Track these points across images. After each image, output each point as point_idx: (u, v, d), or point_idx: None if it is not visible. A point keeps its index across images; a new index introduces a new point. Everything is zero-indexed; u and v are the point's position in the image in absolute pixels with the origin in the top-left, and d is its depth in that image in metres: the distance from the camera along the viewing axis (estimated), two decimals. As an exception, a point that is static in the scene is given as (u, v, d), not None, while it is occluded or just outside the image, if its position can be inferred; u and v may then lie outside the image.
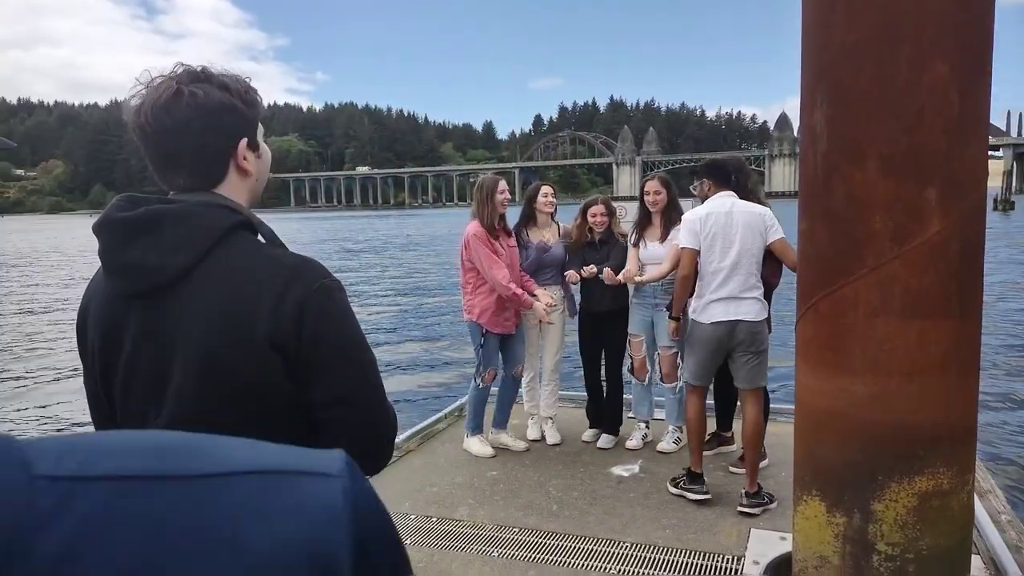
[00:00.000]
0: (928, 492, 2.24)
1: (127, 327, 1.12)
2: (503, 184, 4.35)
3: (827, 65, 2.28)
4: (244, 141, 1.19)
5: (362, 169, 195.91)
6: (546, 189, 4.58)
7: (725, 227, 3.48)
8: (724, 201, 3.55)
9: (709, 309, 3.53)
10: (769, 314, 3.88)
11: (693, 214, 3.61)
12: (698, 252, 3.54)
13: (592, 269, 4.21)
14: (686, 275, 3.58)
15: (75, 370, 9.73)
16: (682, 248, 3.59)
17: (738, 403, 4.17)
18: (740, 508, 3.44)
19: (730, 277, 3.48)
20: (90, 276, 1.25)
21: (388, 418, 1.22)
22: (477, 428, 4.45)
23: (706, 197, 3.73)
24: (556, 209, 4.59)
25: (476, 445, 4.39)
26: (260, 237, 1.17)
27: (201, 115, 1.13)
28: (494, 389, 4.54)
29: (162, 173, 1.18)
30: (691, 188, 4.14)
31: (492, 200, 4.23)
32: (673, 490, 3.69)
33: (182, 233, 1.09)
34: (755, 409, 3.57)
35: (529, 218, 4.55)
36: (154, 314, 1.10)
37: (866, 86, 2.22)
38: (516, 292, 4.16)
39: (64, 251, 40.55)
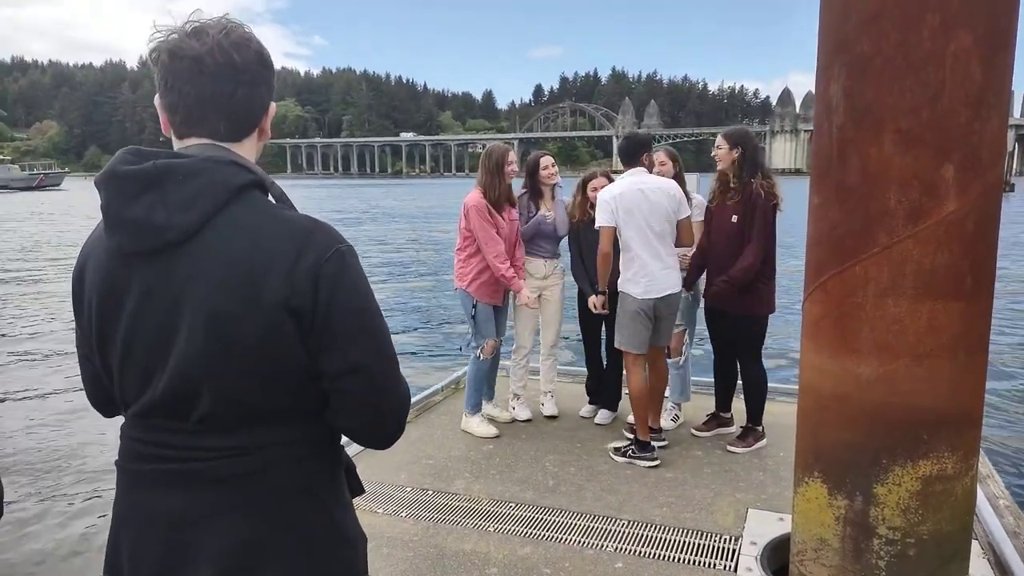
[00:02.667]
0: (932, 476, 2.20)
1: (129, 285, 1.08)
2: (512, 155, 4.21)
3: (848, 33, 2.19)
4: (273, 104, 1.20)
5: (407, 135, 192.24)
6: (546, 160, 4.44)
7: (641, 204, 3.65)
8: (634, 179, 3.73)
9: (642, 285, 3.71)
10: (771, 294, 3.84)
11: (607, 192, 3.76)
12: (615, 229, 3.70)
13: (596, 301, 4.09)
14: (606, 252, 3.76)
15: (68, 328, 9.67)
16: (600, 227, 3.75)
17: (738, 382, 4.15)
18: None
19: (650, 251, 3.68)
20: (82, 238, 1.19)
21: (401, 390, 1.19)
22: (477, 407, 4.34)
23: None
24: (558, 191, 4.49)
25: (478, 426, 4.27)
26: (271, 197, 1.13)
27: (262, 65, 1.14)
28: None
29: (199, 114, 1.11)
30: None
31: (501, 171, 4.10)
32: (620, 459, 3.79)
33: (192, 190, 1.05)
34: (664, 361, 3.97)
35: (536, 192, 4.44)
36: (159, 272, 1.06)
37: (888, 55, 2.12)
38: (506, 274, 4.07)
39: (54, 214, 40.24)
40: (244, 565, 1.10)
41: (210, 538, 1.09)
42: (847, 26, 2.19)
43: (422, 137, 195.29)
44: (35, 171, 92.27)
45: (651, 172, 4.02)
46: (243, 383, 1.07)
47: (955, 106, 2.09)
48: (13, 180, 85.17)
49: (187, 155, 1.09)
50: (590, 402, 4.62)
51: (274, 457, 1.12)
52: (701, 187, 4.55)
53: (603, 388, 4.55)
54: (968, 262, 2.16)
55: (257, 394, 1.08)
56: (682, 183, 4.07)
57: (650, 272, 3.67)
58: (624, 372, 4.00)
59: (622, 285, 3.76)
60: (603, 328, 4.46)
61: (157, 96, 1.14)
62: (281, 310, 1.04)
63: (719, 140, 3.93)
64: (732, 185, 3.81)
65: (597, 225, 3.76)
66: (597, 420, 4.46)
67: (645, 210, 3.63)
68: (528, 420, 4.46)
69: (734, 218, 3.75)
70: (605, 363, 4.54)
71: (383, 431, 1.20)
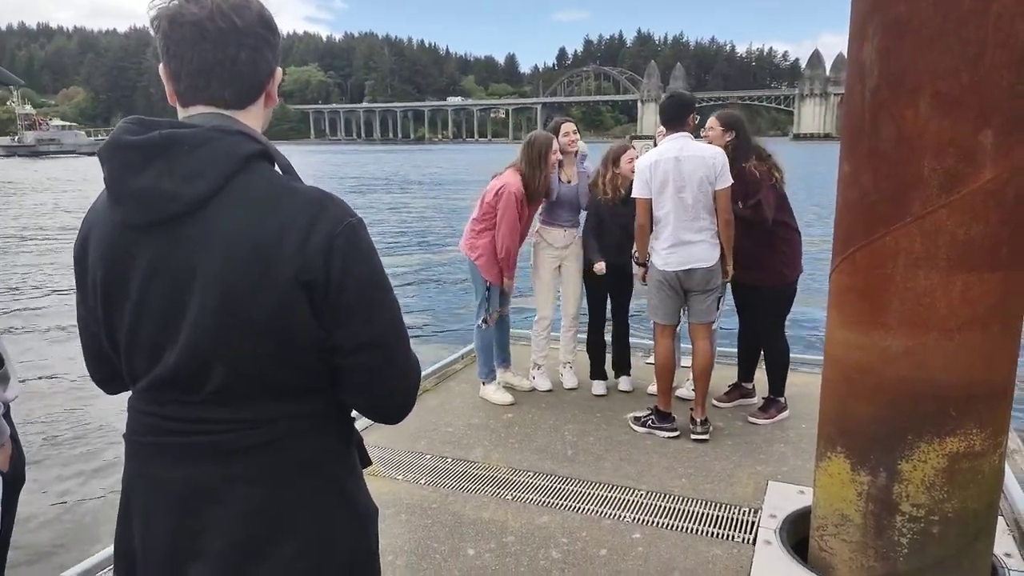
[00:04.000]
0: (959, 453, 2.15)
1: (136, 259, 1.06)
2: (556, 144, 4.05)
3: (884, -9, 2.08)
4: (279, 69, 1.17)
5: (454, 100, 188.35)
6: (567, 127, 4.31)
7: (674, 173, 3.50)
8: (673, 145, 3.56)
9: (663, 256, 3.61)
10: (794, 258, 3.76)
11: (643, 161, 3.65)
12: (651, 200, 3.60)
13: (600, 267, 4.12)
14: (642, 224, 3.68)
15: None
16: (635, 197, 3.66)
17: (761, 354, 4.09)
18: (694, 436, 3.64)
19: (680, 222, 3.54)
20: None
21: (413, 364, 1.19)
22: (491, 374, 4.36)
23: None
24: (580, 160, 4.37)
25: (494, 393, 4.30)
26: (277, 168, 1.11)
27: (265, 27, 1.10)
28: None
29: (203, 80, 1.08)
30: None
31: (544, 162, 3.96)
32: (639, 429, 3.78)
33: (199, 160, 1.03)
34: (706, 343, 3.71)
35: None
36: (167, 244, 1.04)
37: (927, 14, 2.02)
38: (508, 261, 4.08)
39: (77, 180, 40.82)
40: (256, 536, 1.10)
41: (222, 509, 1.09)
42: (884, -16, 2.08)
43: (448, 102, 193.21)
44: (100, 137, 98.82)
45: (697, 136, 3.76)
46: (255, 357, 1.06)
47: (997, 68, 1.99)
48: (80, 145, 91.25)
49: (193, 125, 1.07)
50: (593, 376, 4.45)
51: (286, 430, 1.11)
52: None
53: (613, 357, 4.49)
54: (1006, 232, 2.08)
55: (269, 368, 1.07)
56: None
57: (675, 244, 3.56)
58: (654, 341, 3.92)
59: (652, 255, 3.70)
60: (607, 301, 4.39)
61: (161, 65, 1.11)
62: (293, 283, 1.03)
63: (711, 121, 3.80)
64: None
65: (632, 195, 3.68)
66: (621, 387, 4.43)
67: (678, 179, 3.49)
68: (548, 390, 4.45)
69: (739, 204, 3.65)
70: (612, 332, 4.47)
71: (395, 405, 1.20)
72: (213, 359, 1.05)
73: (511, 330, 4.72)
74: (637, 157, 4.19)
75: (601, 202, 4.22)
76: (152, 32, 1.09)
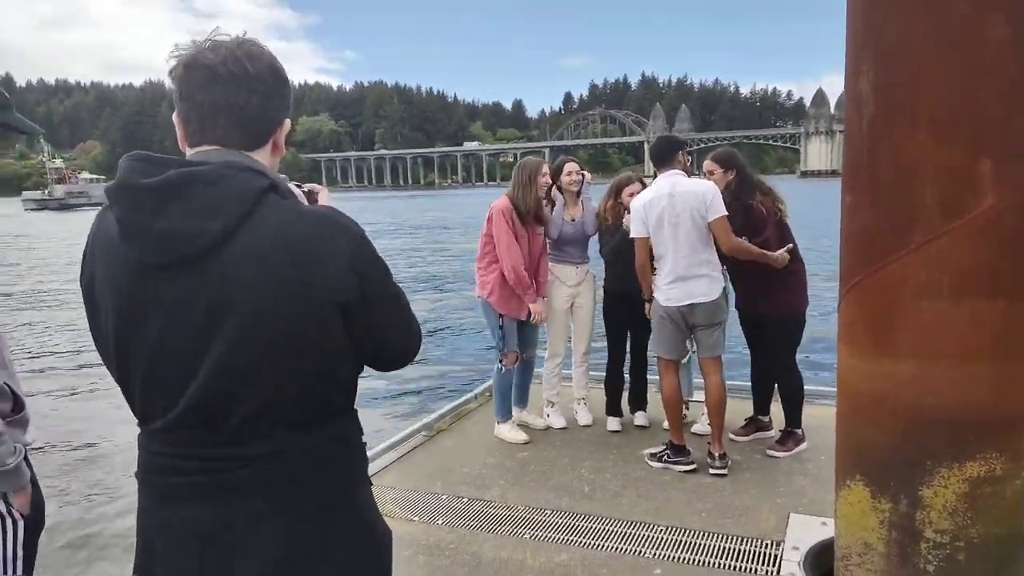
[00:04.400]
0: (979, 478, 2.14)
1: (154, 298, 1.07)
2: (546, 167, 4.24)
3: (877, 23, 2.15)
4: (287, 120, 1.22)
5: (470, 144, 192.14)
6: (570, 167, 4.44)
7: (668, 209, 3.56)
8: (666, 182, 3.62)
9: (665, 291, 3.65)
10: (801, 290, 3.79)
11: (638, 201, 3.72)
12: (648, 238, 3.65)
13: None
14: (641, 263, 3.74)
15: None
16: (633, 238, 3.73)
17: (775, 386, 4.08)
18: (712, 471, 3.64)
19: (679, 258, 3.58)
20: None
21: (416, 330, 1.27)
22: (507, 414, 4.37)
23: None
24: (585, 187, 4.43)
25: (508, 432, 4.31)
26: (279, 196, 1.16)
27: (276, 77, 1.16)
28: None
29: (212, 122, 1.12)
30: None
31: (534, 183, 4.12)
32: (656, 464, 3.76)
33: (215, 196, 1.05)
34: (717, 377, 3.73)
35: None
36: (190, 281, 1.06)
37: (919, 44, 2.08)
38: (521, 277, 4.06)
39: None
40: (286, 569, 1.12)
41: (252, 544, 1.10)
42: (875, 16, 2.15)
43: (464, 147, 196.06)
44: None
45: (689, 174, 3.86)
46: (285, 383, 1.09)
47: (991, 95, 2.04)
48: None
49: (205, 162, 1.10)
50: (609, 412, 4.45)
51: (311, 458, 1.14)
52: None
53: (631, 391, 4.51)
54: (1009, 258, 2.09)
55: (292, 396, 1.10)
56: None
57: (676, 279, 3.61)
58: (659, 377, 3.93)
59: (655, 291, 3.75)
60: (627, 337, 4.42)
61: (175, 113, 1.15)
62: (328, 303, 1.08)
63: (709, 164, 3.89)
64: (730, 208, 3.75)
65: (631, 236, 3.75)
66: (637, 422, 4.44)
67: (672, 215, 3.57)
68: (563, 428, 4.45)
69: (745, 239, 3.71)
70: (629, 366, 4.50)
71: (404, 364, 1.28)
72: (237, 392, 1.07)
73: None
74: (643, 188, 4.26)
75: (604, 230, 4.33)
76: (170, 83, 1.14)
